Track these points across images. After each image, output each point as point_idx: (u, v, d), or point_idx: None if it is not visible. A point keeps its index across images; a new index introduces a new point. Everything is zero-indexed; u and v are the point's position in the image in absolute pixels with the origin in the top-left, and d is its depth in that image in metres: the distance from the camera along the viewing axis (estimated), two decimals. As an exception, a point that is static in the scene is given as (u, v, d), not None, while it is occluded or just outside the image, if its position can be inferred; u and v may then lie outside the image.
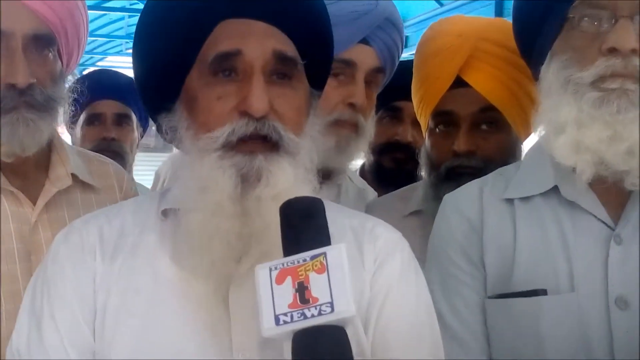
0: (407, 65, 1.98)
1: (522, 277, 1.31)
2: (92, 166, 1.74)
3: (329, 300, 0.87)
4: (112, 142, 2.63)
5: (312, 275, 0.88)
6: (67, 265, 1.16)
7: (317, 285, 0.88)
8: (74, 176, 1.63)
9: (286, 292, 0.89)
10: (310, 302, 0.87)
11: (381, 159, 2.49)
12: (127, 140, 2.70)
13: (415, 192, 1.97)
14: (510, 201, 1.39)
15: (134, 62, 1.26)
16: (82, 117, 2.69)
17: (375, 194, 2.31)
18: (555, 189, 1.34)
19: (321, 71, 1.30)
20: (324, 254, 0.89)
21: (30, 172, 1.58)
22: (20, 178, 1.56)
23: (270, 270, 0.91)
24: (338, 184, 2.00)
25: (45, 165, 1.61)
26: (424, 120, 1.90)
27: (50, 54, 1.52)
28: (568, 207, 1.32)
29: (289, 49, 1.17)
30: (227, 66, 1.13)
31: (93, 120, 2.69)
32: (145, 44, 1.24)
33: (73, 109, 2.54)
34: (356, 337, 1.15)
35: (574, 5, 1.27)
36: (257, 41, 1.14)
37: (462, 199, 1.45)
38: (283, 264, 0.90)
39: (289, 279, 0.89)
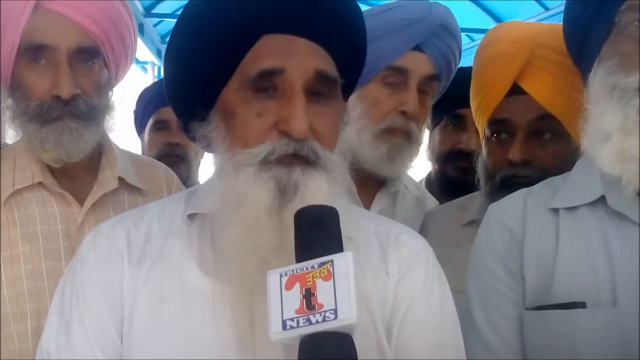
0: (470, 72, 1.94)
1: (562, 289, 1.26)
2: (141, 170, 1.80)
3: (333, 307, 0.87)
4: (177, 147, 2.69)
5: (319, 282, 0.88)
6: (95, 270, 1.17)
7: (323, 292, 0.88)
8: (121, 179, 1.69)
9: (294, 297, 0.89)
10: (316, 308, 0.87)
11: (445, 167, 2.46)
12: (191, 146, 2.73)
13: (474, 201, 1.94)
14: (555, 211, 1.34)
15: (166, 65, 1.25)
16: (149, 123, 2.78)
17: (436, 202, 2.29)
18: (602, 199, 1.29)
19: (352, 85, 1.29)
20: (331, 261, 0.89)
21: (80, 175, 1.66)
22: (70, 180, 1.65)
23: (281, 276, 0.91)
24: (392, 192, 1.99)
25: (95, 169, 1.68)
26: (481, 128, 1.86)
27: (95, 65, 1.59)
28: (615, 218, 1.26)
29: (330, 67, 1.15)
30: (269, 83, 1.11)
31: (158, 126, 2.76)
32: (183, 50, 1.21)
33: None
34: (379, 345, 1.15)
35: (621, 9, 1.22)
36: (300, 59, 1.12)
37: (505, 209, 1.42)
38: (293, 271, 0.91)
39: (297, 285, 0.90)
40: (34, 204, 1.60)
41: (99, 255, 1.19)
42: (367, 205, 1.90)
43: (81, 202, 1.63)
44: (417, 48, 1.80)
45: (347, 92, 1.26)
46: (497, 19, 8.23)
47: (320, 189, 1.09)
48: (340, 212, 1.14)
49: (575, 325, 1.22)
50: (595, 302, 1.22)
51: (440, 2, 1.87)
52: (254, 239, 1.08)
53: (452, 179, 2.42)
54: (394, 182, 1.97)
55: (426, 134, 2.43)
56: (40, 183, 1.61)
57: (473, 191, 2.06)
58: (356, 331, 0.88)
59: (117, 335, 1.14)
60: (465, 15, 7.04)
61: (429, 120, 1.96)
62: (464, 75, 1.97)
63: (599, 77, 1.26)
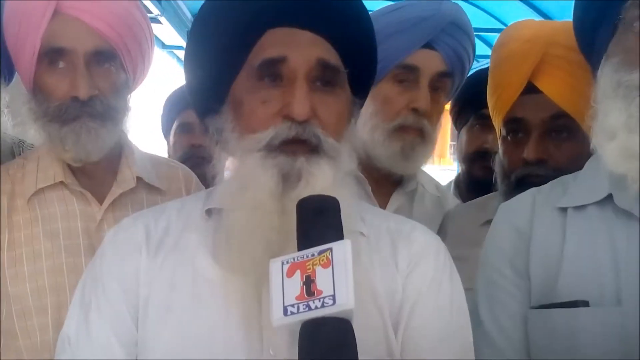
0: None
1: (566, 288, 1.25)
2: (160, 170, 1.85)
3: (332, 293, 0.89)
4: (200, 149, 2.71)
5: (318, 269, 0.91)
6: (114, 261, 1.23)
7: (322, 279, 0.90)
8: (140, 179, 1.75)
9: (295, 284, 0.92)
10: (315, 294, 0.90)
11: (472, 168, 2.46)
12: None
13: (493, 201, 1.94)
14: (563, 210, 1.34)
15: (185, 65, 1.32)
16: (174, 126, 2.84)
17: (457, 201, 2.29)
18: (610, 198, 1.28)
19: (364, 80, 1.31)
20: (330, 249, 0.92)
21: (100, 174, 1.72)
22: (90, 180, 1.70)
23: (282, 264, 0.94)
24: (409, 191, 2.00)
25: (115, 169, 1.74)
26: (498, 127, 1.87)
27: (112, 67, 1.65)
28: (623, 217, 1.25)
29: (332, 57, 1.20)
30: (273, 72, 1.17)
31: (183, 128, 2.81)
32: (197, 49, 1.29)
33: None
34: (385, 337, 1.17)
35: (626, 6, 1.22)
36: (302, 49, 1.17)
37: (514, 208, 1.42)
38: (294, 258, 0.94)
39: (298, 273, 0.92)
40: (56, 202, 1.66)
41: (119, 247, 1.25)
42: (383, 205, 1.91)
43: (101, 201, 1.69)
44: (428, 45, 1.81)
45: (360, 86, 1.29)
46: (547, 18, 8.11)
47: (324, 176, 1.12)
48: (353, 210, 1.18)
49: (578, 324, 1.22)
50: (599, 301, 1.21)
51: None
52: (257, 221, 1.13)
53: (479, 179, 2.42)
54: (409, 181, 1.98)
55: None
56: (61, 182, 1.66)
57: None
58: (353, 316, 0.90)
59: (132, 322, 1.19)
60: (515, 15, 6.97)
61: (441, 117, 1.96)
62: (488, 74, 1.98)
63: (605, 74, 1.26)
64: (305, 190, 1.11)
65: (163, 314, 1.18)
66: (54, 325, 1.58)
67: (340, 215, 0.97)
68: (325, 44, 1.20)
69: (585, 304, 1.22)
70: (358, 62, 1.25)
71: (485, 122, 2.37)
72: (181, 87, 2.93)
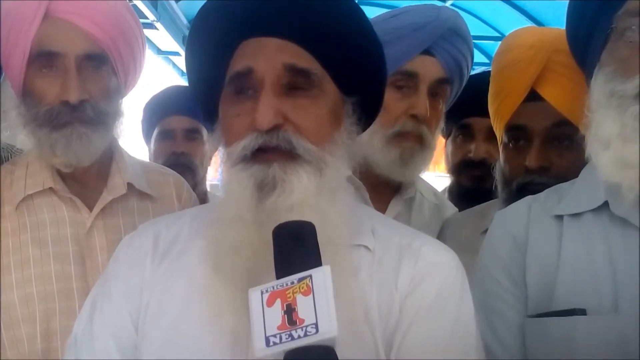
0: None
1: (563, 297, 1.25)
2: (151, 176, 1.82)
3: (314, 321, 0.87)
4: (182, 156, 2.69)
5: (299, 297, 0.89)
6: (122, 266, 1.26)
7: (304, 307, 0.88)
8: (130, 185, 1.72)
9: (276, 314, 0.90)
10: (297, 323, 0.88)
11: (460, 178, 2.45)
12: (196, 154, 2.74)
13: (493, 209, 1.91)
14: (559, 218, 1.33)
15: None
16: (155, 133, 2.78)
17: (455, 209, 2.27)
18: (606, 205, 1.27)
19: (357, 80, 1.25)
20: (310, 276, 0.90)
21: (90, 180, 1.69)
22: (80, 186, 1.68)
23: (262, 293, 0.92)
24: (407, 199, 1.98)
25: (105, 175, 1.71)
26: (499, 134, 1.84)
27: (103, 71, 1.62)
28: (619, 224, 1.25)
29: (302, 60, 1.17)
30: (242, 84, 1.17)
31: (164, 135, 2.76)
32: (188, 64, 1.31)
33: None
34: (376, 356, 1.14)
35: (618, 15, 1.21)
36: (267, 57, 1.16)
37: (510, 216, 1.41)
38: (273, 287, 0.91)
39: (278, 302, 0.90)
40: (45, 209, 1.63)
41: (129, 253, 1.27)
42: (381, 212, 1.88)
43: (90, 208, 1.66)
44: (427, 52, 1.80)
45: (351, 87, 1.24)
46: (540, 25, 8.07)
47: (301, 183, 1.11)
48: (365, 221, 1.20)
49: (575, 333, 1.21)
50: (597, 308, 1.21)
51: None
52: (235, 234, 1.12)
53: (468, 189, 2.41)
54: (408, 188, 1.96)
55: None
56: (50, 188, 1.64)
57: (489, 199, 2.03)
58: (337, 344, 0.88)
59: (132, 326, 1.21)
60: (510, 23, 6.91)
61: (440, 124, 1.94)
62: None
63: (598, 83, 1.25)
64: (280, 198, 1.10)
65: (157, 319, 1.19)
66: (42, 335, 1.56)
67: (317, 240, 0.95)
68: (294, 48, 1.17)
69: (582, 312, 1.21)
70: (338, 62, 1.21)
71: (467, 132, 2.38)
72: (160, 93, 2.88)
